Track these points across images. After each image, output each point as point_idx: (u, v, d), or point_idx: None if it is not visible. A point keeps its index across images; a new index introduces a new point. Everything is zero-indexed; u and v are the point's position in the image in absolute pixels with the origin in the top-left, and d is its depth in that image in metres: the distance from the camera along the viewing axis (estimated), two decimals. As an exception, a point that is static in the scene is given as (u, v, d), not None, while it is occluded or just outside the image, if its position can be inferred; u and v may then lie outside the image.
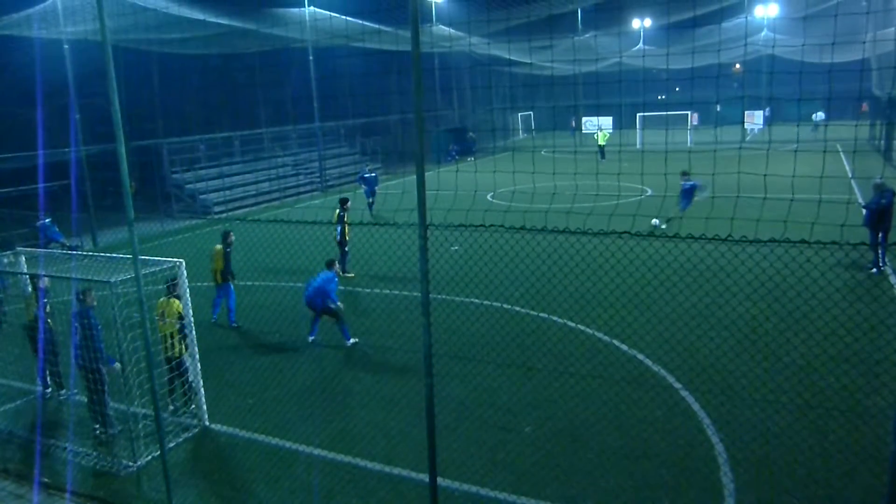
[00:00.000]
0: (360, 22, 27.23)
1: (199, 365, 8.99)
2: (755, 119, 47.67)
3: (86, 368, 8.40)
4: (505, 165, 11.22)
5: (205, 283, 13.56)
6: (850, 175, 24.98)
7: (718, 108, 46.34)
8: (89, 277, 7.99)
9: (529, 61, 37.75)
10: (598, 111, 50.25)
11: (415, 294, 13.58)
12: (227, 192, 29.40)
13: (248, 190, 30.45)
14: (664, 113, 38.57)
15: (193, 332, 8.88)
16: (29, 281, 9.83)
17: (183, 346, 8.85)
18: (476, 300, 13.33)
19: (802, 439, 7.61)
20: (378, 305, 13.75)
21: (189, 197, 28.72)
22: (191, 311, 8.85)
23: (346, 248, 16.04)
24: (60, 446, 8.50)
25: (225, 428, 8.86)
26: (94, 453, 8.27)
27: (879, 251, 14.06)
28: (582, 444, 7.93)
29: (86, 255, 9.38)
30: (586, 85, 43.81)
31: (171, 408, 9.18)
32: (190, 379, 8.96)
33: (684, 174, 18.24)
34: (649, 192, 23.78)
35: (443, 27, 36.18)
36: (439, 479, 5.86)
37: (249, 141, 33.64)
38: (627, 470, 7.34)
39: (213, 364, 10.70)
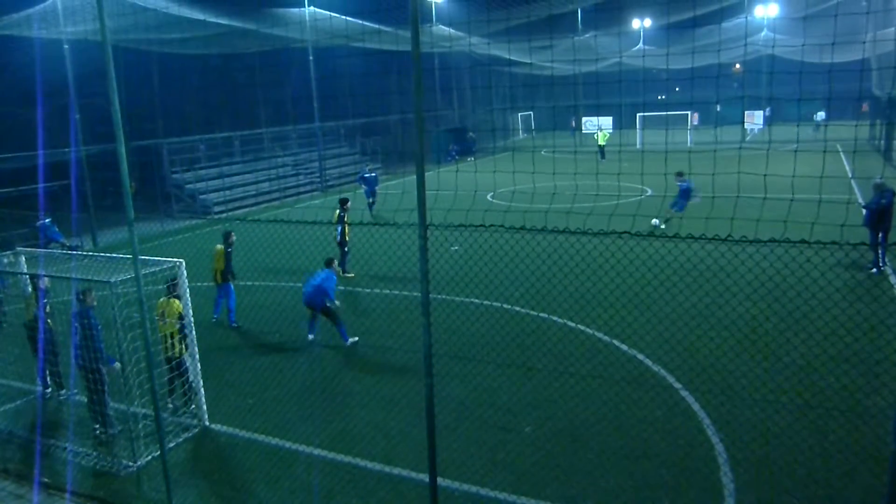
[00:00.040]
0: (360, 22, 27.22)
1: (199, 365, 8.99)
2: (755, 119, 47.68)
3: (86, 368, 8.40)
4: (505, 165, 11.22)
5: (205, 283, 13.56)
6: (850, 175, 24.98)
7: (718, 108, 46.36)
8: (89, 277, 7.99)
9: (529, 61, 37.75)
10: (598, 111, 50.26)
11: (415, 294, 13.58)
12: (227, 192, 29.40)
13: (248, 190, 30.45)
14: (664, 113, 38.57)
15: (193, 332, 8.88)
16: (29, 281, 9.84)
17: (183, 346, 8.85)
18: (476, 300, 13.33)
19: (802, 439, 7.61)
20: (378, 305, 13.75)
21: (189, 197, 28.72)
22: (191, 311, 8.85)
23: (347, 249, 16.05)
24: (60, 446, 8.50)
25: (225, 428, 8.86)
26: (94, 453, 8.27)
27: (879, 251, 14.05)
28: (582, 444, 7.93)
29: (86, 255, 9.38)
30: (586, 85, 43.82)
31: (171, 408, 9.19)
32: (190, 379, 8.96)
33: (679, 175, 18.31)
34: (649, 192, 23.78)
35: (443, 27, 36.18)
36: (439, 479, 5.86)
37: (249, 141, 33.64)
38: (627, 470, 7.34)
39: (213, 364, 10.70)
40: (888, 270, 14.06)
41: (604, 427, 8.23)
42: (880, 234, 13.91)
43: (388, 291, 14.70)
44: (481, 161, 35.70)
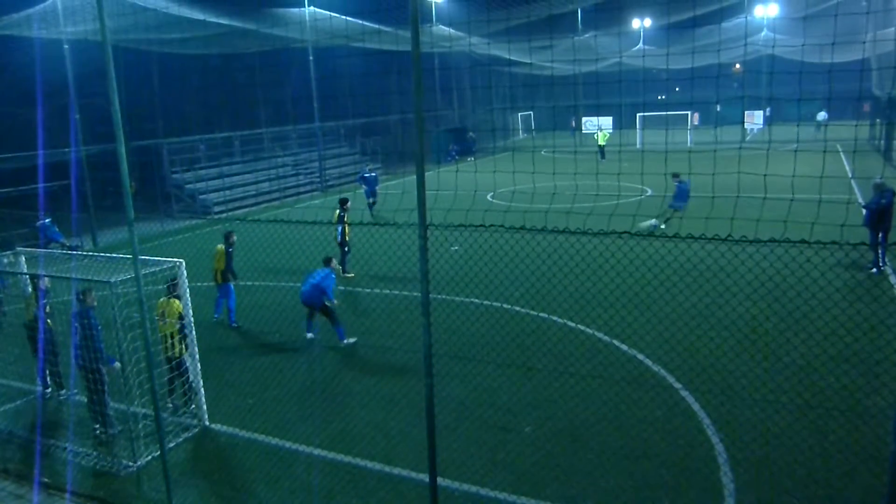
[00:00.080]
0: (360, 22, 27.22)
1: (199, 365, 8.99)
2: (755, 119, 47.68)
3: (86, 368, 8.40)
4: (505, 165, 11.23)
5: (205, 283, 13.56)
6: (850, 175, 24.98)
7: (718, 108, 46.36)
8: (89, 277, 7.99)
9: (529, 61, 37.75)
10: (598, 111, 50.25)
11: (415, 294, 13.58)
12: (227, 192, 29.40)
13: (248, 190, 30.45)
14: (664, 113, 38.58)
15: (193, 332, 8.89)
16: (29, 281, 9.84)
17: (183, 346, 8.85)
18: (476, 300, 13.33)
19: (802, 439, 7.61)
20: (378, 305, 13.75)
21: (189, 197, 28.72)
22: (191, 311, 8.85)
23: (347, 248, 16.06)
24: (60, 446, 8.50)
25: (225, 428, 8.86)
26: (94, 453, 8.27)
27: (879, 251, 14.06)
28: (582, 444, 7.93)
29: (86, 255, 9.38)
30: (586, 85, 43.82)
31: (171, 407, 9.19)
32: (190, 379, 8.96)
33: (675, 176, 18.36)
34: (649, 192, 23.78)
35: (443, 27, 36.18)
36: (439, 479, 5.86)
37: (249, 141, 33.65)
38: (627, 470, 7.35)
39: (213, 364, 10.70)
40: (888, 270, 14.06)
41: (604, 427, 8.23)
42: (880, 234, 13.91)
43: (388, 291, 14.70)
44: (481, 161, 35.70)
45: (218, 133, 32.36)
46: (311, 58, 31.84)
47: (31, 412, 9.56)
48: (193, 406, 9.05)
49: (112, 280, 7.57)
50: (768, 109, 47.63)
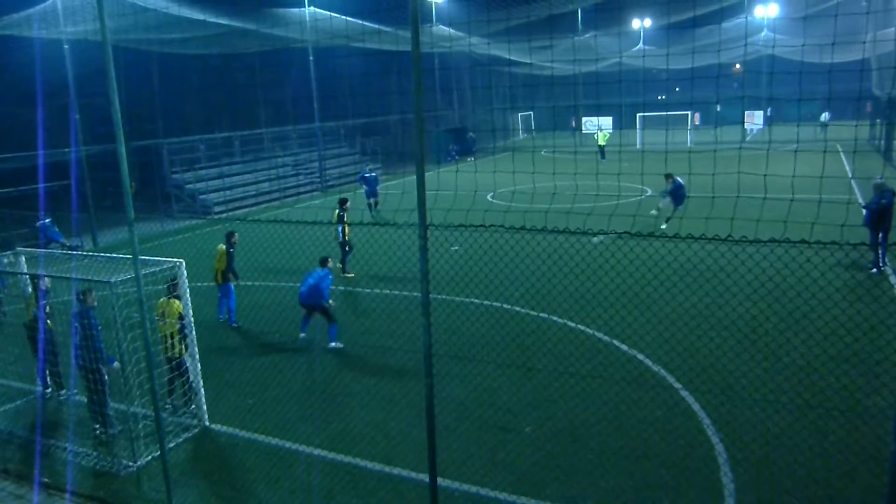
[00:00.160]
0: (360, 22, 27.22)
1: (199, 365, 8.99)
2: (755, 119, 47.69)
3: (86, 368, 8.41)
4: (505, 165, 11.22)
5: (205, 283, 13.56)
6: (850, 175, 24.98)
7: (718, 109, 46.37)
8: (89, 277, 7.99)
9: (529, 61, 37.75)
10: (598, 111, 50.24)
11: (415, 294, 13.58)
12: (227, 193, 29.40)
13: (248, 190, 30.45)
14: (664, 113, 38.58)
15: (193, 333, 8.89)
16: (29, 281, 9.84)
17: (183, 347, 8.85)
18: (476, 300, 13.33)
19: (802, 439, 7.61)
20: (378, 305, 13.75)
21: (189, 197, 28.72)
22: (191, 311, 8.85)
23: (349, 248, 16.08)
24: (60, 446, 8.50)
25: (225, 428, 8.86)
26: (94, 453, 8.27)
27: (879, 251, 14.05)
28: (582, 444, 7.93)
29: (86, 256, 9.38)
30: (586, 85, 43.82)
31: (171, 408, 9.19)
32: (190, 379, 8.96)
33: (668, 176, 18.41)
34: (649, 192, 23.78)
35: (443, 27, 36.19)
36: (439, 480, 5.86)
37: (249, 141, 33.65)
38: (627, 470, 7.34)
39: (213, 364, 10.70)
40: (888, 270, 14.06)
41: (604, 427, 8.23)
42: (880, 235, 13.91)
43: (388, 291, 14.70)
44: (481, 161, 35.71)
45: (218, 133, 32.37)
46: (311, 58, 31.84)
47: (31, 412, 9.56)
48: (193, 406, 9.05)
49: (112, 280, 7.57)
50: (769, 109, 47.63)
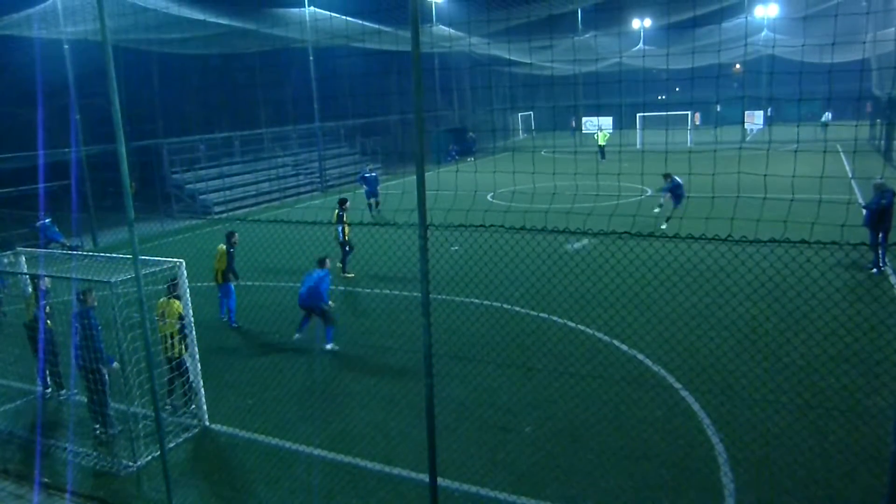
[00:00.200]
0: (360, 22, 27.22)
1: (199, 365, 8.99)
2: (755, 119, 47.70)
3: (86, 369, 8.41)
4: (505, 165, 11.22)
5: (205, 284, 13.56)
6: (850, 175, 24.97)
7: (718, 109, 46.38)
8: (89, 277, 7.99)
9: (529, 61, 37.75)
10: (598, 111, 50.24)
11: (415, 294, 13.58)
12: (228, 193, 29.40)
13: (248, 190, 30.45)
14: (664, 113, 38.58)
15: (193, 333, 8.89)
16: (29, 281, 9.84)
17: (183, 347, 8.85)
18: (476, 300, 13.33)
19: (802, 439, 7.61)
20: (378, 306, 13.75)
21: (189, 197, 28.73)
22: (191, 312, 8.85)
23: (349, 248, 16.09)
24: (60, 446, 8.50)
25: (225, 428, 8.86)
26: (94, 453, 8.27)
27: (879, 251, 14.05)
28: (582, 444, 7.93)
29: (86, 256, 9.38)
30: (586, 85, 43.81)
31: (171, 408, 9.18)
32: (190, 379, 8.96)
33: (667, 176, 18.48)
34: (649, 192, 23.78)
35: (443, 27, 36.19)
36: (439, 480, 5.86)
37: (249, 141, 33.66)
38: (627, 470, 7.34)
39: (213, 364, 10.70)
40: (888, 270, 14.07)
41: (604, 427, 8.23)
42: (880, 235, 13.91)
43: (388, 291, 14.70)
44: (481, 161, 35.70)
45: (218, 133, 32.37)
46: (311, 58, 31.84)
47: (31, 412, 9.56)
48: (193, 406, 9.05)
49: (112, 280, 7.57)
50: (770, 110, 47.64)
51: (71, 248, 17.66)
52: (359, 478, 7.48)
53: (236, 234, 12.98)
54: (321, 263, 11.62)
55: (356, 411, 9.08)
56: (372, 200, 23.81)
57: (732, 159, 9.42)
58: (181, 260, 8.64)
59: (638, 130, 44.32)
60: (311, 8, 29.27)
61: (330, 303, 11.44)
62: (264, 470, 7.78)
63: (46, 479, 7.83)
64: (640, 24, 46.36)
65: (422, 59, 4.90)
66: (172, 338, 8.80)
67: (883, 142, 32.64)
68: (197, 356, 8.97)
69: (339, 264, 16.03)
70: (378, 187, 24.49)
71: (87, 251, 19.43)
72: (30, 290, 9.86)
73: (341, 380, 10.15)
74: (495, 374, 9.92)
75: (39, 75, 21.66)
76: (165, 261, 8.46)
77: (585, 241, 16.45)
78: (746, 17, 39.21)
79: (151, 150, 28.47)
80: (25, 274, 9.81)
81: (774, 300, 11.57)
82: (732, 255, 8.29)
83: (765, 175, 7.34)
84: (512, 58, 36.62)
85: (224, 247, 12.73)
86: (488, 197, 24.62)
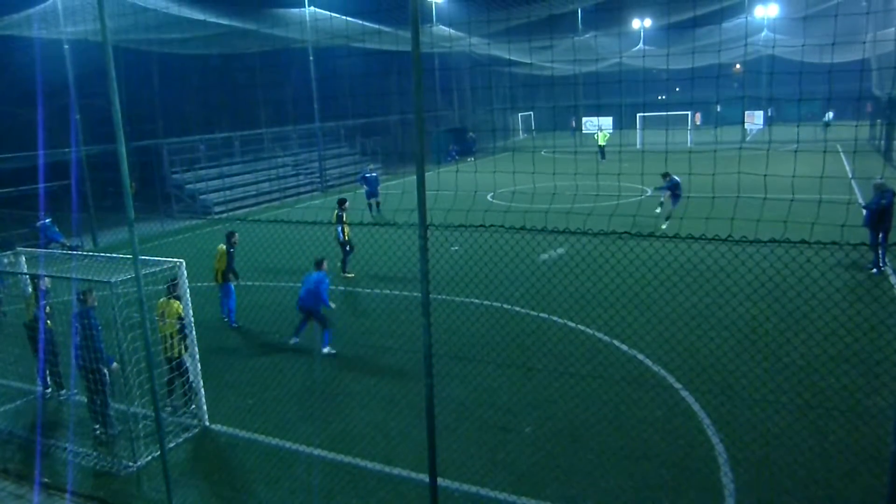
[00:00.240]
0: (361, 22, 27.22)
1: (199, 365, 8.99)
2: (755, 119, 47.71)
3: (86, 369, 8.41)
4: (505, 166, 11.22)
5: (205, 284, 13.56)
6: (850, 175, 24.97)
7: (719, 109, 46.38)
8: (89, 278, 7.99)
9: (529, 61, 37.75)
10: (598, 111, 50.24)
11: (415, 294, 13.58)
12: (228, 193, 29.40)
13: (248, 190, 30.45)
14: (664, 113, 38.59)
15: (193, 333, 8.89)
16: (29, 281, 9.84)
17: (183, 347, 8.85)
18: (476, 300, 13.33)
19: (802, 440, 7.61)
20: (378, 306, 13.75)
21: (189, 197, 28.73)
22: (191, 312, 8.85)
23: (350, 248, 16.09)
24: (60, 446, 8.50)
25: (225, 428, 8.86)
26: (94, 453, 8.27)
27: (880, 251, 14.05)
28: (582, 444, 7.93)
29: (86, 256, 9.38)
30: (586, 85, 43.80)
31: (171, 408, 9.18)
32: (190, 379, 8.96)
33: (665, 175, 18.49)
34: (649, 192, 23.77)
35: (443, 27, 36.19)
36: (439, 480, 5.86)
37: (249, 141, 33.66)
38: (627, 470, 7.34)
39: (213, 364, 10.70)
40: (888, 271, 14.06)
41: (604, 427, 8.23)
42: (880, 235, 13.91)
43: (388, 291, 14.70)
44: (481, 161, 35.70)
45: (218, 133, 32.37)
46: (311, 58, 31.84)
47: (32, 412, 9.56)
48: (193, 406, 9.05)
49: (112, 280, 7.57)
50: (770, 110, 47.64)
51: (71, 248, 17.65)
52: (359, 478, 7.48)
53: (236, 234, 12.98)
54: (318, 265, 11.51)
55: (356, 411, 9.08)
56: (372, 201, 23.81)
57: (732, 159, 9.42)
58: (181, 260, 8.64)
59: (638, 130, 44.32)
60: (312, 8, 29.28)
61: (331, 304, 11.39)
62: (264, 470, 7.78)
63: (46, 479, 7.83)
64: (640, 24, 46.37)
65: (422, 60, 4.90)
66: (172, 338, 8.80)
67: (883, 142, 32.63)
68: (197, 356, 8.97)
69: (339, 264, 16.03)
70: (378, 187, 24.49)
71: (87, 251, 19.42)
72: (30, 290, 9.86)
73: (341, 380, 10.15)
74: (495, 375, 9.92)
75: (40, 75, 21.67)
76: (165, 261, 8.45)
77: (561, 250, 15.91)
78: (746, 18, 39.22)
79: (151, 150, 28.47)
80: (25, 274, 9.81)
81: (774, 300, 11.56)
82: (732, 255, 8.29)
83: (765, 175, 7.34)
84: (512, 58, 36.63)
85: (224, 247, 12.73)
86: (488, 197, 24.62)
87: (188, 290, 8.78)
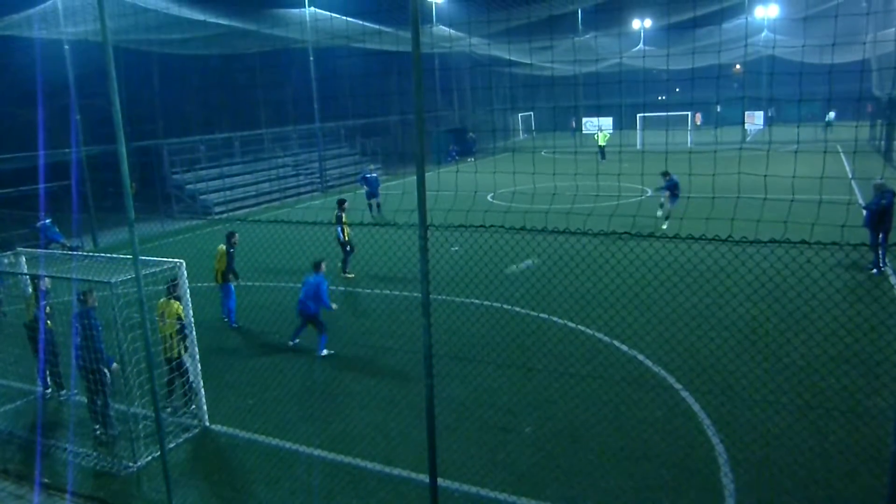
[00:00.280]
0: (361, 23, 27.24)
1: (199, 365, 8.99)
2: (755, 119, 47.72)
3: (86, 369, 8.41)
4: (505, 166, 11.22)
5: (205, 284, 13.56)
6: (850, 176, 24.97)
7: (719, 109, 46.39)
8: (90, 278, 7.99)
9: (530, 62, 37.75)
10: (598, 112, 50.25)
11: (415, 294, 13.58)
12: (228, 193, 29.41)
13: (248, 190, 30.46)
14: (664, 114, 38.59)
15: (194, 333, 8.89)
16: (29, 281, 9.84)
17: (183, 347, 8.85)
18: (476, 301, 13.33)
19: (803, 440, 7.61)
20: (378, 306, 13.75)
21: (189, 197, 28.73)
22: (191, 312, 8.85)
23: (350, 248, 16.09)
24: (60, 447, 8.50)
25: (225, 428, 8.86)
26: (95, 454, 8.27)
27: (880, 252, 14.05)
28: (582, 444, 7.93)
29: (86, 256, 9.38)
30: (586, 85, 43.81)
31: (171, 408, 9.18)
32: (190, 379, 8.96)
33: (665, 174, 18.49)
34: (649, 192, 23.77)
35: (443, 28, 36.19)
36: (439, 480, 5.86)
37: (250, 141, 33.67)
38: (628, 471, 7.34)
39: (214, 365, 10.70)
40: (888, 271, 14.06)
41: (604, 428, 8.23)
42: (880, 235, 13.91)
43: (388, 292, 14.70)
44: (481, 161, 35.70)
45: (218, 133, 32.38)
46: (311, 58, 31.85)
47: (32, 413, 9.57)
48: (193, 406, 9.04)
49: (112, 281, 7.57)
50: (771, 110, 47.65)
51: (71, 249, 17.65)
52: (359, 478, 7.48)
53: (236, 235, 12.99)
54: (316, 268, 11.36)
55: (356, 412, 9.08)
56: (373, 201, 23.80)
57: (732, 160, 9.42)
58: (181, 260, 8.64)
59: (638, 131, 44.33)
60: (312, 8, 29.28)
61: (333, 305, 11.33)
62: (264, 470, 7.78)
63: (46, 480, 7.83)
64: (641, 24, 46.37)
65: (422, 60, 4.90)
66: (172, 338, 8.80)
67: (883, 142, 32.63)
68: (197, 356, 8.97)
69: (339, 264, 16.04)
70: (379, 188, 24.49)
71: (88, 251, 19.42)
72: (30, 290, 9.86)
73: (341, 380, 10.15)
74: (495, 375, 9.92)
75: (40, 76, 21.67)
76: (166, 261, 8.46)
77: (529, 261, 15.25)
78: (747, 18, 39.23)
79: (152, 150, 28.48)
80: (26, 274, 9.81)
81: (775, 301, 11.56)
82: (733, 255, 8.30)
83: (765, 175, 7.34)
84: (512, 58, 36.64)
85: (224, 247, 12.73)
86: (488, 197, 24.62)
87: (188, 291, 8.78)
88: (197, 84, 35.57)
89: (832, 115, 44.21)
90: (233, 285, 12.88)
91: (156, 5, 21.13)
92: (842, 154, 32.20)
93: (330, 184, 33.99)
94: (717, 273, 9.91)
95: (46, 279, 9.25)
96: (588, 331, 11.52)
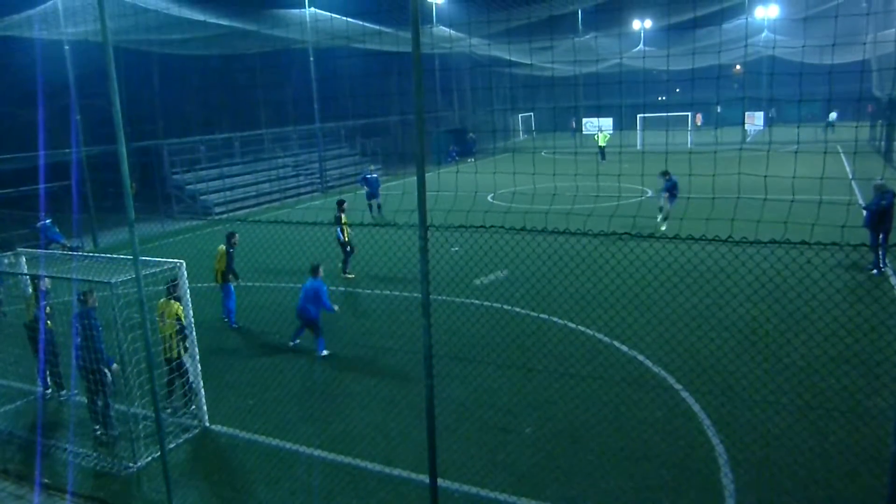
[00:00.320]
0: (361, 23, 27.24)
1: (199, 366, 8.99)
2: (756, 120, 47.73)
3: (86, 369, 8.41)
4: (505, 166, 11.23)
5: (205, 284, 13.56)
6: (850, 176, 24.97)
7: (719, 110, 46.40)
8: (90, 278, 7.99)
9: (530, 62, 37.76)
10: (598, 112, 50.24)
11: (415, 295, 13.58)
12: (228, 193, 29.42)
13: (248, 191, 30.47)
14: (664, 114, 38.59)
15: (194, 333, 8.89)
16: (29, 282, 9.85)
17: (183, 347, 8.85)
18: (476, 301, 13.33)
19: (803, 440, 7.61)
20: (378, 306, 13.75)
21: (189, 198, 28.74)
22: (191, 312, 8.85)
23: (349, 249, 16.09)
24: (61, 447, 8.50)
25: (225, 429, 8.86)
26: (95, 454, 8.27)
27: (880, 252, 14.06)
28: (582, 445, 7.93)
29: (86, 256, 9.38)
30: (587, 86, 43.82)
31: (171, 409, 9.18)
32: (190, 380, 8.96)
33: (665, 174, 18.49)
34: (649, 192, 23.77)
35: (443, 28, 36.20)
36: (439, 481, 5.86)
37: (250, 142, 33.67)
38: (628, 471, 7.34)
39: (214, 365, 10.70)
40: (888, 272, 14.06)
41: (604, 428, 8.23)
42: (881, 236, 13.91)
43: (388, 292, 14.70)
44: (481, 162, 35.70)
45: (218, 134, 32.39)
46: (311, 59, 31.85)
47: (32, 413, 9.57)
48: (193, 407, 9.05)
49: (112, 281, 7.57)
50: (772, 111, 47.64)
51: (71, 249, 17.65)
52: (359, 478, 7.48)
53: (236, 235, 12.99)
54: (314, 272, 11.25)
55: (356, 412, 9.08)
56: (373, 202, 23.81)
57: (733, 160, 9.42)
58: (181, 261, 8.64)
59: (638, 131, 44.32)
60: (312, 9, 29.29)
61: (335, 307, 11.30)
62: (264, 470, 7.78)
63: (46, 480, 7.83)
64: (641, 25, 46.37)
65: (422, 60, 4.90)
66: (172, 338, 8.80)
67: (883, 143, 32.63)
68: (197, 357, 8.97)
69: (339, 265, 16.04)
70: (379, 189, 24.50)
71: (88, 252, 19.43)
72: (30, 290, 9.86)
73: (341, 381, 10.15)
74: (495, 375, 9.92)
75: (40, 76, 21.67)
76: (166, 261, 8.46)
77: (500, 273, 14.82)
78: (747, 18, 39.22)
79: (152, 150, 28.48)
80: (26, 274, 9.81)
81: (775, 301, 11.56)
82: (733, 255, 8.30)
83: (765, 176, 7.34)
84: (512, 59, 36.64)
85: (224, 247, 12.73)
86: (488, 198, 24.62)
87: (188, 291, 8.78)
88: (197, 84, 35.58)
89: (834, 115, 44.22)
90: (233, 286, 12.88)
91: (156, 5, 21.14)
92: (842, 154, 32.20)
93: (330, 184, 33.99)
94: (718, 273, 9.89)
95: (46, 279, 9.25)
96: (588, 331, 11.52)
